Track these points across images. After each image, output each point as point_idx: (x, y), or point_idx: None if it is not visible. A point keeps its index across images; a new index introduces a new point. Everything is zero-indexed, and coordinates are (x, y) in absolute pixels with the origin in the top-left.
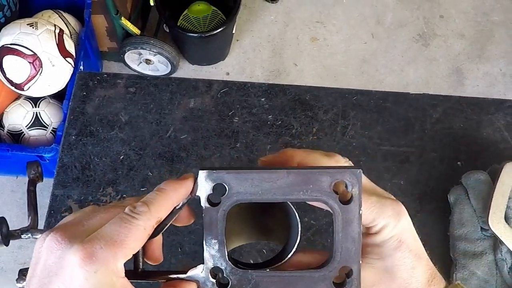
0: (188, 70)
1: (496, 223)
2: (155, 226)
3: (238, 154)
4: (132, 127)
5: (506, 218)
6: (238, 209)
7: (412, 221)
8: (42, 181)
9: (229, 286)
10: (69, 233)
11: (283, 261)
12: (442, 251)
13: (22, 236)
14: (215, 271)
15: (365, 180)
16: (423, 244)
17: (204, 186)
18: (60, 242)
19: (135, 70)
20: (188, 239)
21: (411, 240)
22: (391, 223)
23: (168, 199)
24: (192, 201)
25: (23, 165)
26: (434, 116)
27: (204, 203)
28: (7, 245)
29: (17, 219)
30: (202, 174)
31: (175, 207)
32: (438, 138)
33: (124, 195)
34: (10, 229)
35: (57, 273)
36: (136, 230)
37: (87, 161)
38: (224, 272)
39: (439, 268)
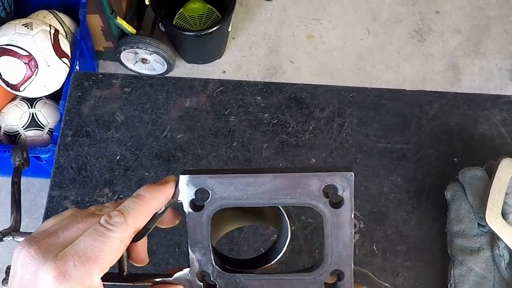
0: (184, 69)
1: (493, 219)
2: (132, 237)
3: (234, 153)
4: (128, 127)
5: (503, 214)
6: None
7: (409, 217)
8: (28, 167)
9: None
10: (43, 248)
11: (272, 263)
12: (440, 248)
13: (4, 238)
14: (202, 275)
15: None
16: (420, 240)
17: (186, 191)
18: (34, 257)
19: (131, 70)
20: (186, 238)
21: None
22: None
23: (146, 207)
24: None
25: None
26: (431, 113)
27: (186, 208)
28: None
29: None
30: (183, 179)
31: (156, 213)
32: (435, 134)
33: (121, 196)
34: None
35: None
36: (111, 244)
37: (83, 162)
38: (211, 276)
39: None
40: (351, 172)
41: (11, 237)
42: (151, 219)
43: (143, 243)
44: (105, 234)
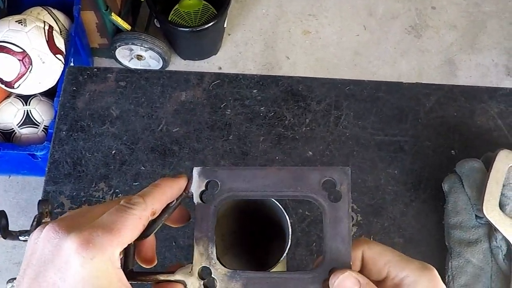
0: (180, 65)
1: (491, 211)
2: (150, 218)
3: (231, 146)
4: (123, 121)
5: (501, 206)
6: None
7: (406, 210)
8: (50, 219)
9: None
10: (68, 222)
11: (273, 266)
12: (437, 240)
13: (20, 237)
14: (203, 271)
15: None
16: (418, 233)
17: (198, 183)
18: (57, 231)
19: (126, 66)
20: (182, 233)
21: None
22: (413, 275)
23: (162, 193)
24: (189, 202)
25: (15, 164)
26: (428, 105)
27: (196, 199)
28: (4, 237)
29: (10, 219)
30: (196, 170)
31: (169, 204)
32: (432, 127)
33: (117, 190)
34: (9, 228)
35: (53, 260)
36: (132, 219)
37: (78, 156)
38: (213, 272)
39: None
40: (348, 167)
41: (27, 236)
42: (163, 210)
43: (151, 242)
44: (126, 211)
